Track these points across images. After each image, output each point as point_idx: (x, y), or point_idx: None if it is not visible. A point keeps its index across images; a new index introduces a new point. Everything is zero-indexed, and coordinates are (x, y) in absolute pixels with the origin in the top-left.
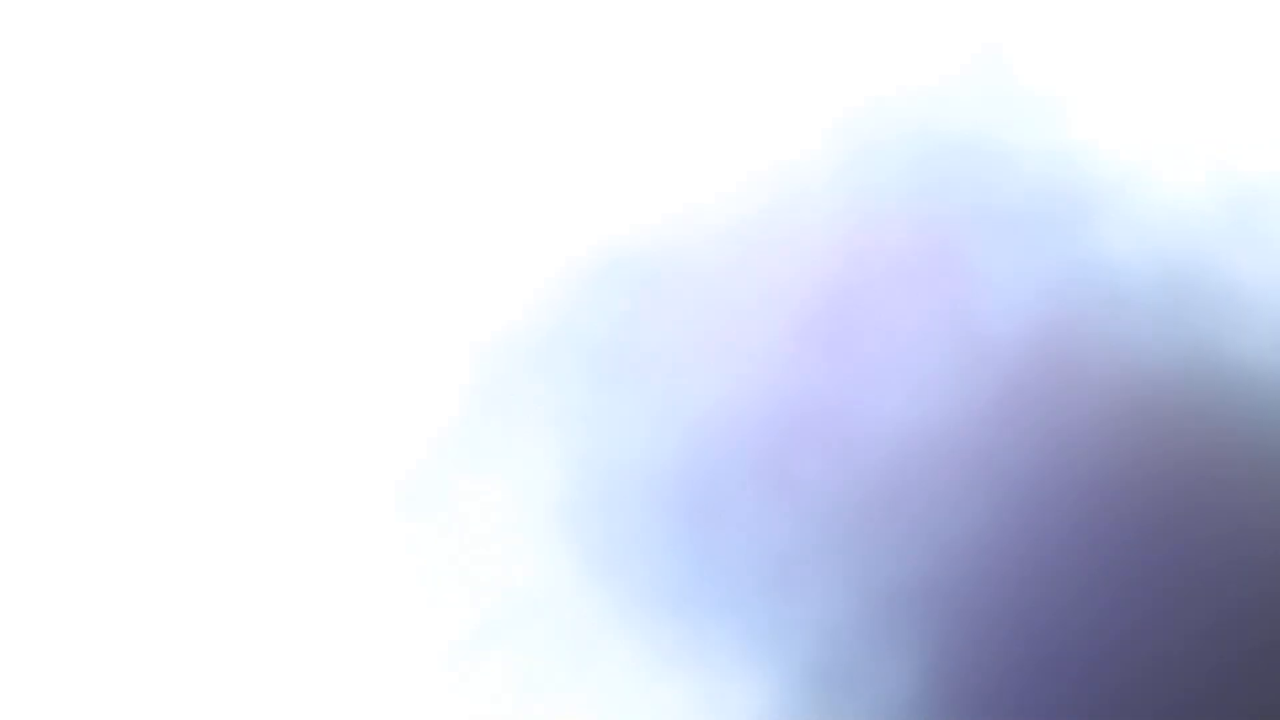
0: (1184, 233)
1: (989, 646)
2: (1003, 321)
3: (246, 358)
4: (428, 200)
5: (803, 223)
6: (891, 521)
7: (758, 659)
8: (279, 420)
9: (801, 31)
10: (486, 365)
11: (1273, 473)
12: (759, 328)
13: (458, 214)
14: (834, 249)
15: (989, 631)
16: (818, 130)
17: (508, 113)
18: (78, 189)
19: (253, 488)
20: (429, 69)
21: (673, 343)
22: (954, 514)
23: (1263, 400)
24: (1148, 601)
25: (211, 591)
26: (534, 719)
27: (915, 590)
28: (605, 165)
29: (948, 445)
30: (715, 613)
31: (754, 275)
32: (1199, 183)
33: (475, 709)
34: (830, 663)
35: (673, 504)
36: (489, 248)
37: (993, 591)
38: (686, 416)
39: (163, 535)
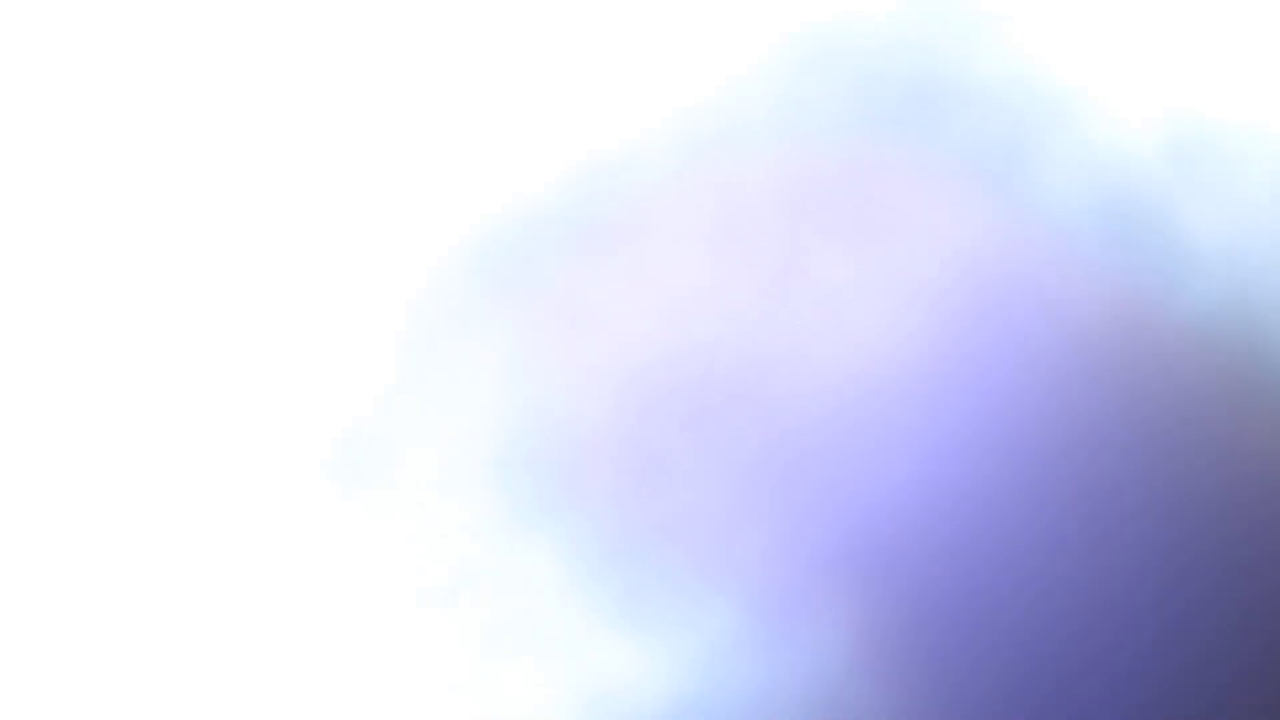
0: (1131, 180)
1: (927, 607)
2: (943, 270)
3: (170, 325)
4: (348, 158)
5: (737, 162)
6: (829, 477)
7: (690, 619)
8: (206, 390)
9: None
10: (416, 322)
11: (1217, 422)
12: (692, 277)
13: (378, 169)
14: (770, 191)
15: (929, 592)
16: (754, 59)
17: (428, 55)
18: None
19: (183, 458)
20: (342, 23)
21: (604, 293)
22: (892, 469)
23: (1207, 352)
24: (1092, 559)
25: (144, 565)
26: (479, 678)
27: (854, 549)
28: (526, 108)
29: (886, 398)
30: (649, 573)
31: (686, 220)
32: (1149, 128)
33: (424, 670)
34: (765, 623)
35: (606, 462)
36: (408, 202)
37: (932, 551)
38: (619, 371)
39: (87, 507)
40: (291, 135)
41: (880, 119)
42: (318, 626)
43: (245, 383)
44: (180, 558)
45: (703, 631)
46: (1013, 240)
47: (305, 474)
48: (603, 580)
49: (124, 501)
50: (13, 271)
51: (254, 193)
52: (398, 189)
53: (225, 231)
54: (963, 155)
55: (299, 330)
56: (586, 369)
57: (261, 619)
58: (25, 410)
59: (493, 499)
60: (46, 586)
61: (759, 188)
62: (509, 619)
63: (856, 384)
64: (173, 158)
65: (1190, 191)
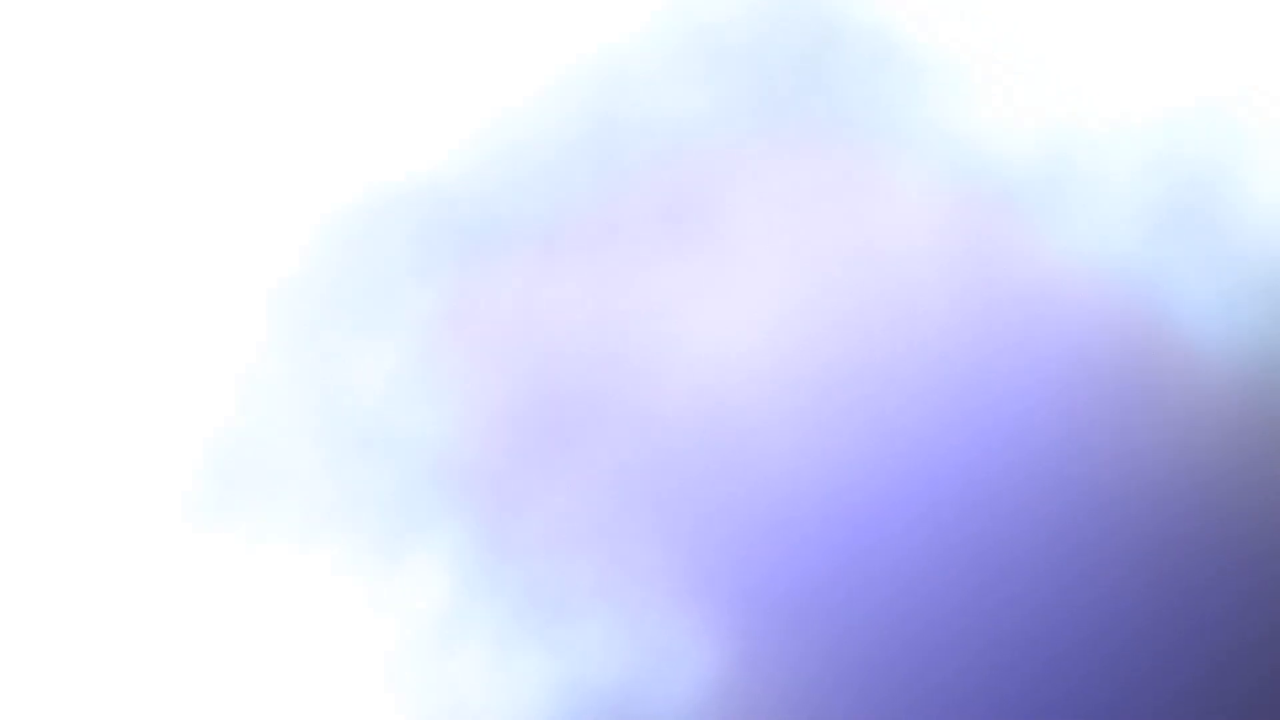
0: (1005, 178)
1: (802, 618)
2: (810, 274)
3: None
4: (209, 160)
5: (611, 160)
6: (694, 497)
7: (569, 634)
8: (62, 407)
9: None
10: (284, 341)
11: (1083, 421)
12: (568, 285)
13: (237, 175)
14: (645, 193)
15: (803, 602)
16: (645, 14)
17: (300, 53)
18: None
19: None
20: (193, 23)
21: (478, 306)
22: (771, 481)
23: (1078, 353)
24: (964, 577)
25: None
26: (357, 696)
27: (731, 562)
28: (386, 107)
29: (762, 404)
30: (527, 590)
31: (563, 224)
32: (1026, 130)
33: (304, 691)
34: (642, 638)
35: (464, 483)
36: (276, 215)
37: (810, 561)
38: (494, 388)
39: None
40: (150, 136)
41: (757, 104)
42: (185, 653)
43: (102, 403)
44: (34, 584)
45: (581, 647)
46: (881, 238)
47: (168, 496)
48: (480, 599)
49: None
50: None
51: (114, 201)
52: (262, 199)
53: (76, 237)
54: (831, 141)
55: (161, 347)
56: (462, 386)
57: (122, 650)
58: None
59: (367, 518)
60: None
61: (634, 188)
62: (385, 639)
63: (734, 390)
64: (19, 157)
65: (1060, 195)
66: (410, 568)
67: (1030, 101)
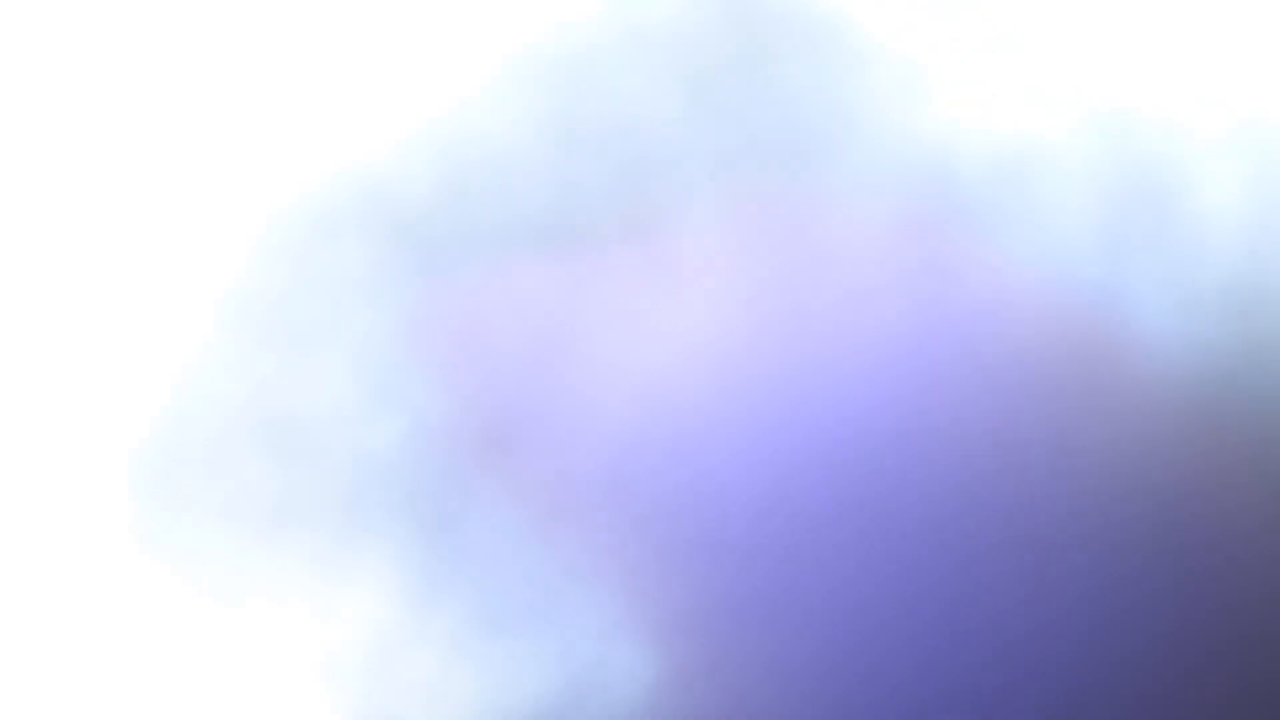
0: (955, 200)
1: (736, 642)
2: (741, 283)
3: None
4: (160, 154)
5: (560, 167)
6: (640, 511)
7: (486, 652)
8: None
9: None
10: (205, 356)
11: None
12: (501, 288)
13: (189, 171)
14: (591, 202)
15: (737, 623)
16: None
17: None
18: None
19: None
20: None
21: (418, 320)
22: (703, 504)
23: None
24: (911, 589)
25: None
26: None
27: (657, 587)
28: (333, 113)
29: (704, 430)
30: (445, 606)
31: (498, 236)
32: (974, 136)
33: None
34: (564, 659)
35: (407, 496)
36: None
37: (741, 587)
38: (426, 409)
39: None
40: (101, 130)
41: (704, 109)
42: (124, 665)
43: (39, 413)
44: None
45: (523, 660)
46: (828, 247)
47: (106, 505)
48: (422, 612)
49: None
50: None
51: (59, 187)
52: (205, 205)
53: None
54: (778, 148)
55: (101, 353)
56: (408, 399)
57: (60, 661)
58: None
59: (309, 531)
60: None
61: (585, 200)
62: (325, 652)
63: (683, 403)
64: None
65: (1012, 203)
66: (352, 581)
67: (983, 108)
